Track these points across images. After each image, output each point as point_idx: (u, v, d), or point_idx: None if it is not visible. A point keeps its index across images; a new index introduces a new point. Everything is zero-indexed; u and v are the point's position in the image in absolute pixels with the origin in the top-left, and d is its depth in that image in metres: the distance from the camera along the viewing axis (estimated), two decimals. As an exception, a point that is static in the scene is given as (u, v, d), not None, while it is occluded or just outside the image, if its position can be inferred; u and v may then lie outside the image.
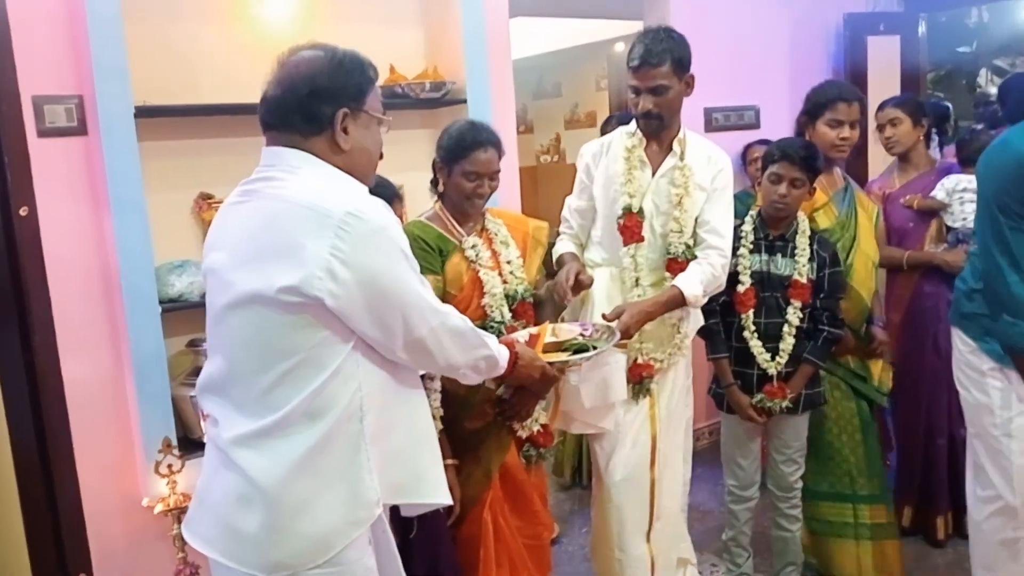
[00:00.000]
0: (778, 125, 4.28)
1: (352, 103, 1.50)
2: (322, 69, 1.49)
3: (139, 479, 2.57)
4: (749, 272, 2.56)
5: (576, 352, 2.05)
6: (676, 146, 2.40)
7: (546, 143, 7.47)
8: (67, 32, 2.43)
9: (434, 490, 1.62)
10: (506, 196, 3.26)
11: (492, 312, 2.11)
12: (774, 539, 2.80)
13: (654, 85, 2.29)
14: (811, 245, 2.56)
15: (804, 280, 2.53)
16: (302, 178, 1.46)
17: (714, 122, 4.20)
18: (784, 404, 2.54)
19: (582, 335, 2.12)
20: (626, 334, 2.20)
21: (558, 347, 2.07)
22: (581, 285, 2.24)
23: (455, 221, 2.19)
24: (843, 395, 2.70)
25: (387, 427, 1.51)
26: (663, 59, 2.26)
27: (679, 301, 2.31)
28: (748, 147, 4.07)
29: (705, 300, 2.40)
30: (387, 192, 2.19)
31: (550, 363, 1.97)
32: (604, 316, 2.23)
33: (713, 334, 2.60)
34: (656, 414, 2.45)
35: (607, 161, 2.44)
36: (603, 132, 3.58)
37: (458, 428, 2.08)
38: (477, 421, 2.08)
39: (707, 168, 2.41)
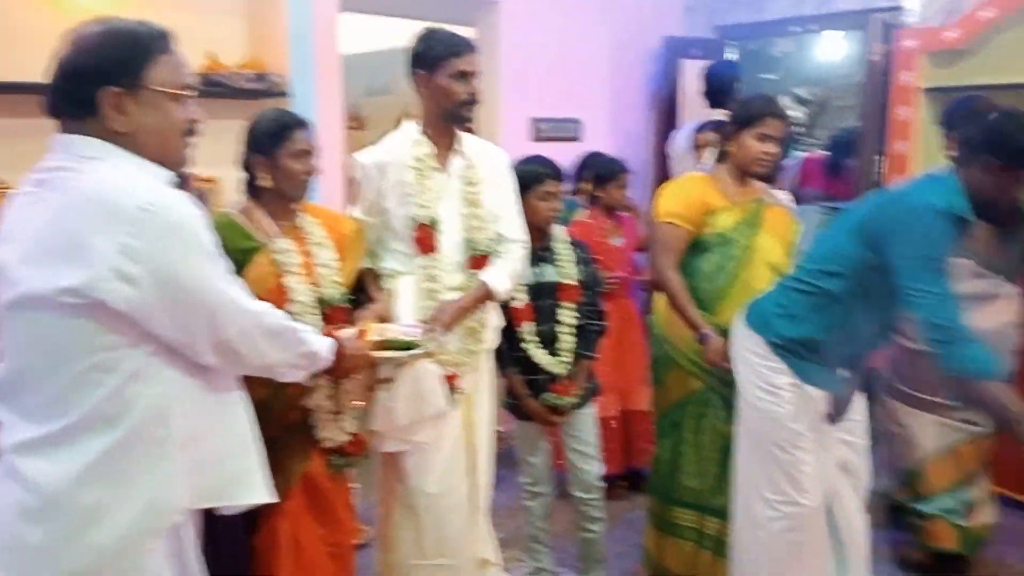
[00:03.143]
0: (599, 138, 4.48)
1: (125, 80, 1.39)
2: (84, 46, 1.39)
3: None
4: (524, 287, 2.66)
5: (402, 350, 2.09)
6: (458, 145, 2.46)
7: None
8: None
9: (252, 491, 1.59)
10: (331, 192, 3.23)
11: (299, 320, 2.05)
12: (579, 540, 2.91)
13: (478, 70, 2.38)
14: (569, 249, 2.75)
15: (571, 282, 2.71)
16: (97, 169, 1.36)
17: (540, 132, 4.33)
18: (571, 401, 2.69)
19: (405, 335, 2.16)
20: (447, 329, 2.29)
21: (383, 346, 2.09)
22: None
23: (270, 218, 2.13)
24: (725, 412, 2.63)
25: (199, 431, 1.46)
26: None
27: (488, 296, 2.40)
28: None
29: (512, 292, 2.51)
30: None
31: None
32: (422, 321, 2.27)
33: (499, 352, 2.66)
34: (472, 420, 2.50)
35: (395, 172, 2.41)
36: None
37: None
38: (278, 428, 2.02)
39: (489, 162, 2.50)
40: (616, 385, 3.56)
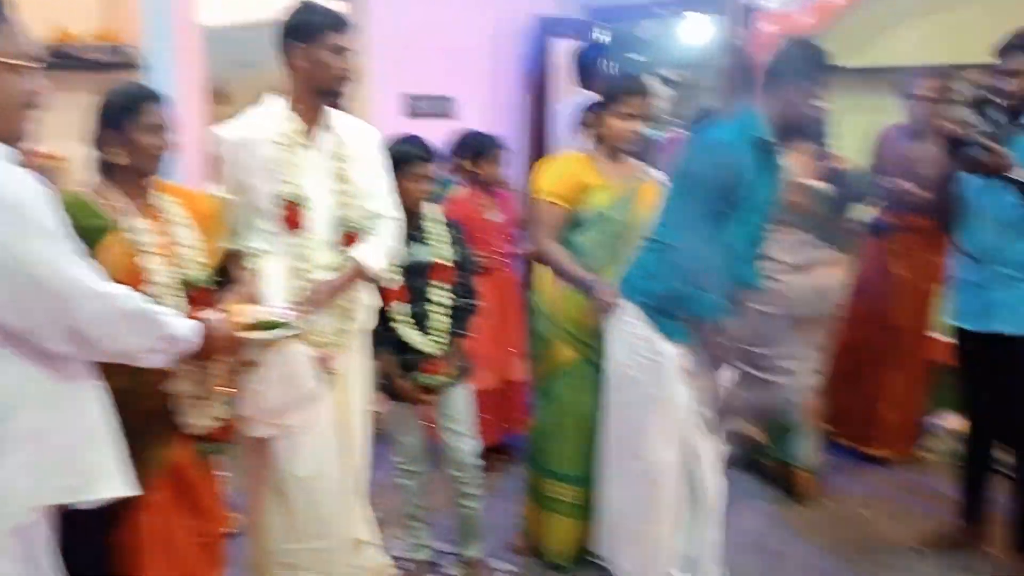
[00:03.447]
0: (473, 116, 4.48)
1: None
2: None
3: None
4: (396, 268, 2.63)
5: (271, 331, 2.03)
6: (327, 120, 2.40)
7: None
8: None
9: (108, 485, 1.52)
10: (191, 169, 3.10)
11: (160, 303, 1.95)
12: (457, 516, 2.93)
13: (353, 48, 2.33)
14: (442, 228, 2.75)
15: (444, 262, 2.71)
16: None
17: (414, 109, 4.29)
18: (443, 380, 2.71)
19: (274, 316, 2.08)
20: (318, 307, 2.27)
21: (251, 327, 2.02)
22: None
23: (124, 197, 2.02)
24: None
25: (48, 424, 1.38)
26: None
27: (361, 274, 2.38)
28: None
29: (389, 269, 2.48)
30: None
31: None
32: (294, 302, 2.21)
33: (374, 332, 2.64)
34: (346, 401, 2.46)
35: (260, 148, 2.32)
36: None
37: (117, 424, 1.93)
38: (140, 416, 1.91)
39: (360, 139, 2.46)
40: (494, 357, 3.60)
